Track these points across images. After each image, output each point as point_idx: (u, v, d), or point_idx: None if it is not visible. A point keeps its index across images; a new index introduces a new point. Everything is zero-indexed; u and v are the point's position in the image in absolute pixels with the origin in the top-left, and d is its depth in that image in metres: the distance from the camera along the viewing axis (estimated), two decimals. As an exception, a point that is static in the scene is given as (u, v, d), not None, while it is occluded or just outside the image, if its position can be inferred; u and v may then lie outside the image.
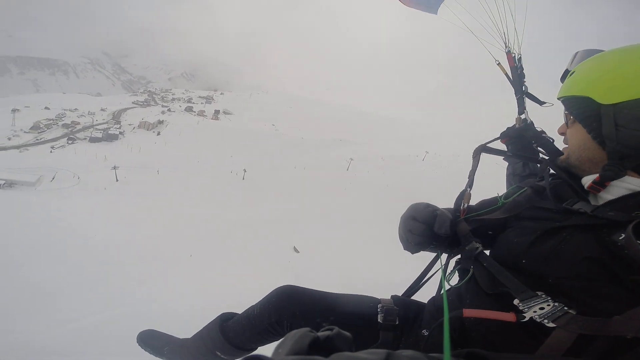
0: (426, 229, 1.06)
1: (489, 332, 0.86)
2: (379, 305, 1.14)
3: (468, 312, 0.84)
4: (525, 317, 0.77)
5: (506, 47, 1.77)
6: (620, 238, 0.72)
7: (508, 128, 1.66)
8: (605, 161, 0.84)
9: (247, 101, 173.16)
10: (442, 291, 1.06)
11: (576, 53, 1.41)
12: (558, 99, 1.00)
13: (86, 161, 56.87)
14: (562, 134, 1.04)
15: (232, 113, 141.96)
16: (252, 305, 1.29)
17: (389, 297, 1.22)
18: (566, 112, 0.97)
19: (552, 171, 1.06)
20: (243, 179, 45.64)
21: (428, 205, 1.10)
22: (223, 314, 1.40)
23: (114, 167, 43.44)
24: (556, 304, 0.75)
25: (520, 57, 1.76)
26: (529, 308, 0.77)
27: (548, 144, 1.42)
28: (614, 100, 0.81)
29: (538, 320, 0.75)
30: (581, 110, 0.88)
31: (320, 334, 0.46)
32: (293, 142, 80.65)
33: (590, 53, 1.30)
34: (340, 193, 39.09)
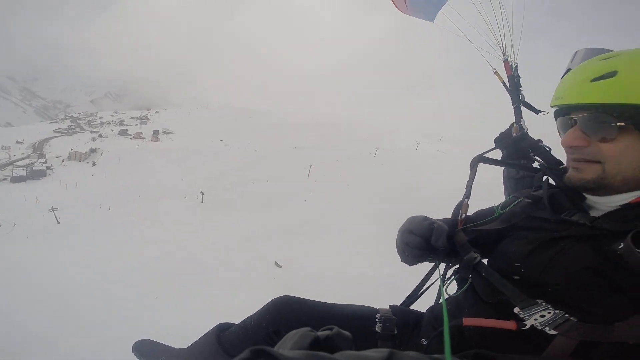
0: (423, 242, 1.06)
1: (489, 340, 0.86)
2: (377, 315, 1.12)
3: (468, 321, 0.84)
4: (526, 325, 0.78)
5: (504, 55, 1.75)
6: (620, 247, 0.74)
7: (501, 134, 1.67)
8: None
9: (187, 118, 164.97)
10: (440, 300, 1.11)
11: (576, 52, 1.43)
12: (591, 103, 0.83)
13: (14, 205, 49.67)
14: (577, 147, 0.88)
15: (173, 132, 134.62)
16: (250, 316, 1.28)
17: (387, 307, 1.21)
18: (619, 123, 0.79)
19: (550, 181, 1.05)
20: (202, 202, 43.99)
21: (425, 218, 1.11)
22: (220, 324, 1.38)
23: (52, 209, 39.04)
24: (557, 311, 0.76)
25: (517, 66, 1.74)
26: (530, 316, 0.78)
27: (546, 153, 1.41)
28: None
29: (539, 327, 0.76)
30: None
31: (320, 333, 0.47)
32: (246, 155, 78.50)
33: (592, 52, 1.31)
34: (306, 200, 39.71)
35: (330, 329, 0.47)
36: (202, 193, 44.90)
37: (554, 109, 0.97)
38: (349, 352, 0.41)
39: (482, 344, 0.85)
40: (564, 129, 0.93)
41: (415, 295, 1.30)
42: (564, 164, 1.08)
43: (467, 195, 1.21)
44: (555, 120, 0.99)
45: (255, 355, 0.39)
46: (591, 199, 0.92)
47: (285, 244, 26.88)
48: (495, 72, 1.79)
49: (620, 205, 0.84)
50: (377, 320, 1.12)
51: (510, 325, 0.79)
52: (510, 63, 1.74)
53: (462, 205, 1.19)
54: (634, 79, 0.78)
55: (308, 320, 1.15)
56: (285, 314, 1.19)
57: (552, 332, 0.74)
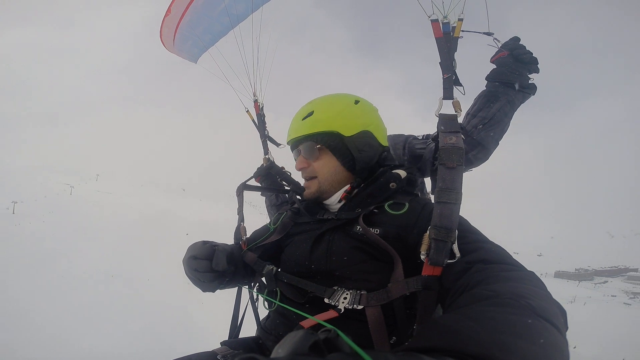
0: (210, 264, 1.09)
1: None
2: (218, 357, 1.06)
3: (305, 324, 0.88)
4: (341, 309, 0.90)
5: (254, 96, 1.91)
6: (359, 229, 0.99)
7: (258, 168, 1.79)
8: (350, 179, 1.13)
9: None
10: (262, 319, 1.21)
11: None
12: (300, 137, 1.14)
13: None
14: (303, 168, 1.17)
15: None
16: None
17: (220, 345, 1.15)
18: (317, 145, 1.12)
19: (297, 196, 1.28)
20: None
21: (205, 242, 1.14)
22: None
23: None
24: (351, 290, 0.92)
25: (263, 106, 1.92)
26: (337, 301, 0.90)
27: (288, 177, 1.67)
28: (351, 133, 1.10)
29: (350, 307, 0.89)
30: (333, 142, 1.11)
31: (319, 334, 0.46)
32: None
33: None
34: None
35: (329, 331, 0.48)
36: None
37: (303, 137, 1.19)
38: (341, 354, 0.41)
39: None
40: (295, 158, 1.21)
41: (236, 323, 1.28)
42: (300, 184, 1.44)
43: (241, 219, 1.33)
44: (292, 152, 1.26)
45: None
46: (326, 201, 1.19)
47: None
48: (247, 111, 1.94)
49: (339, 201, 1.14)
50: None
51: (332, 314, 0.91)
52: (259, 103, 1.92)
53: (240, 229, 1.31)
54: (321, 114, 1.13)
55: None
56: None
57: (360, 307, 0.89)
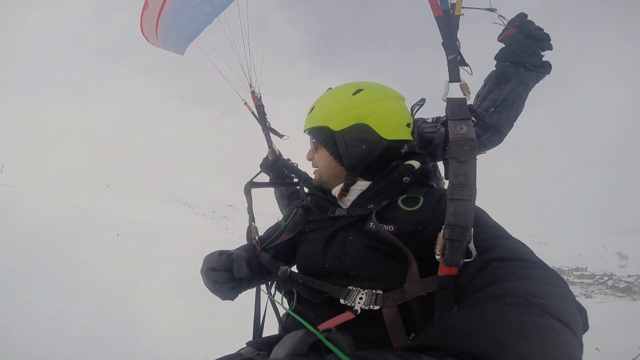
0: (229, 275, 1.10)
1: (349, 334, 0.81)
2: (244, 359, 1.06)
3: (322, 326, 0.88)
4: (357, 310, 0.87)
5: (251, 87, 1.87)
6: (372, 225, 0.96)
7: (263, 159, 1.77)
8: (345, 173, 1.10)
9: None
10: (282, 316, 1.19)
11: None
12: (304, 131, 1.18)
13: None
14: (310, 159, 1.21)
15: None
16: None
17: (245, 346, 1.16)
18: (313, 140, 1.16)
19: (306, 190, 1.25)
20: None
21: (221, 252, 1.14)
22: None
23: None
24: (366, 290, 0.88)
25: (261, 96, 1.87)
26: (353, 302, 0.87)
27: (295, 169, 1.64)
28: (341, 127, 1.07)
29: (366, 308, 0.86)
30: (323, 137, 1.11)
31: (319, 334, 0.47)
32: None
33: None
34: None
35: (329, 331, 0.47)
36: None
37: (306, 132, 1.21)
38: (334, 355, 0.41)
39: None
40: None
41: (258, 323, 1.27)
42: (308, 174, 1.37)
43: (252, 219, 1.32)
44: None
45: None
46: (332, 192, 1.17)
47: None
48: (245, 104, 1.89)
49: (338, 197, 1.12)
50: None
51: (348, 316, 0.88)
52: (257, 94, 1.87)
53: (251, 229, 1.30)
54: (317, 110, 1.14)
55: None
56: None
57: (376, 307, 0.86)
